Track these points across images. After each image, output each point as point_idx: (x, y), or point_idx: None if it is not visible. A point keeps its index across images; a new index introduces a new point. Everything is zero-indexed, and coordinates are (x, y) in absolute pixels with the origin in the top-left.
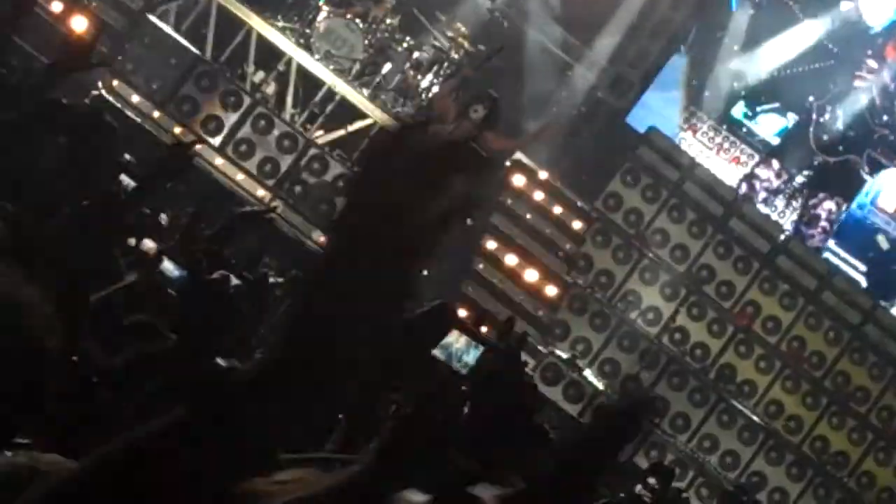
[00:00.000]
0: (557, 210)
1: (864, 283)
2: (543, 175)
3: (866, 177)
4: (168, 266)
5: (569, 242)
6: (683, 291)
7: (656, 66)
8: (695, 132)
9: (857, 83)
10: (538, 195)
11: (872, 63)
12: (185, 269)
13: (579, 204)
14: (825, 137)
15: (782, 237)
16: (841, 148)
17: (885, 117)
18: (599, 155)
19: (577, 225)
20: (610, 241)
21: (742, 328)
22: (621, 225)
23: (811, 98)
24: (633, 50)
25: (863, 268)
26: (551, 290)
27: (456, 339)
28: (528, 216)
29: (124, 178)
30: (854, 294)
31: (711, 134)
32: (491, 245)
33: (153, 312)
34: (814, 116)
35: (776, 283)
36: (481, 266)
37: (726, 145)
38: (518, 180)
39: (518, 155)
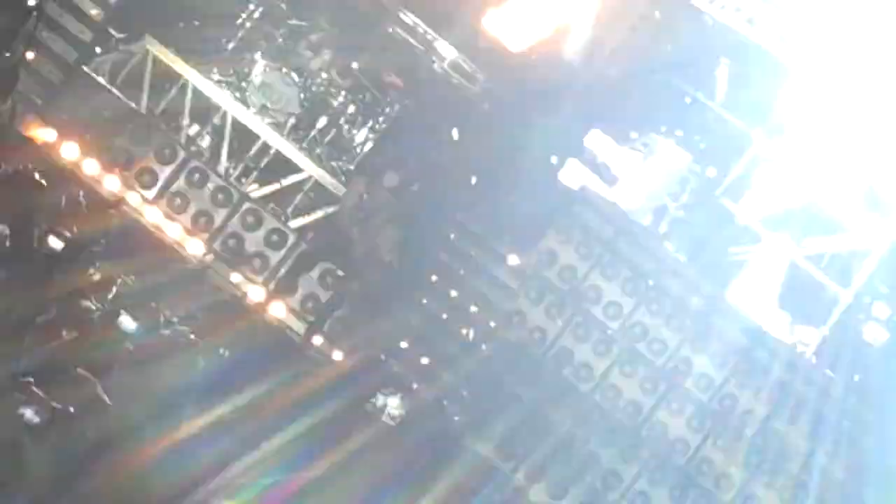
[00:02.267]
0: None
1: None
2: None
3: None
4: (125, 320)
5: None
6: (616, 348)
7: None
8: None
9: None
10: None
11: None
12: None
13: (513, 260)
14: None
15: (717, 295)
16: None
17: None
18: (535, 210)
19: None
20: (544, 297)
21: (675, 385)
22: (555, 281)
23: None
24: (567, 108)
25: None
26: None
27: None
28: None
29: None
30: (782, 350)
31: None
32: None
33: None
34: None
35: (709, 341)
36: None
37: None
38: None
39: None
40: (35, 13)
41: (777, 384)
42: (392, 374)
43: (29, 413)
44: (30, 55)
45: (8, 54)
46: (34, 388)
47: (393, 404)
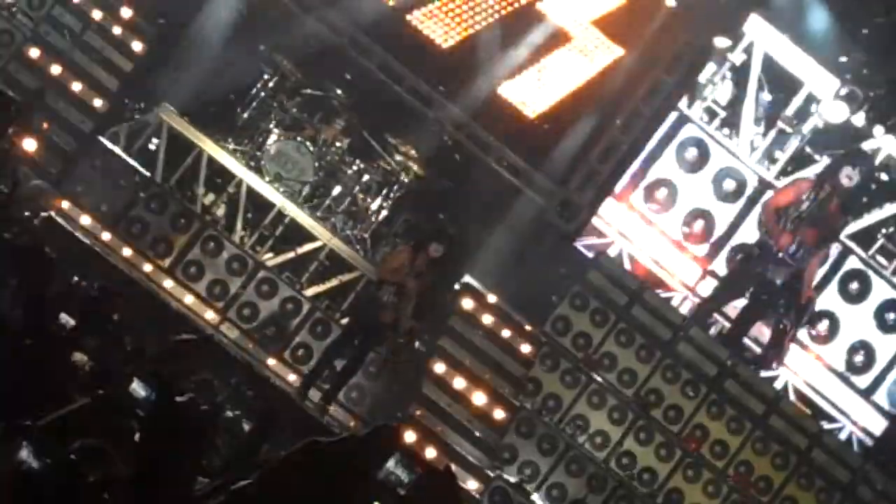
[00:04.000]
0: (506, 333)
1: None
2: (492, 298)
3: None
4: (136, 387)
5: (517, 366)
6: (631, 415)
7: (606, 187)
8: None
9: None
10: (487, 318)
11: None
12: (155, 391)
13: (527, 327)
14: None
15: (730, 362)
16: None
17: None
18: (548, 278)
19: (525, 349)
20: (558, 365)
21: (690, 452)
22: (569, 348)
23: None
24: (583, 173)
25: None
26: (499, 414)
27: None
28: (477, 340)
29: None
30: (801, 419)
31: None
32: (439, 368)
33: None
34: None
35: (724, 408)
36: (429, 389)
37: None
38: (467, 304)
39: (467, 278)
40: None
41: (791, 450)
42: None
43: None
44: (45, 126)
45: None
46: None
47: (401, 472)
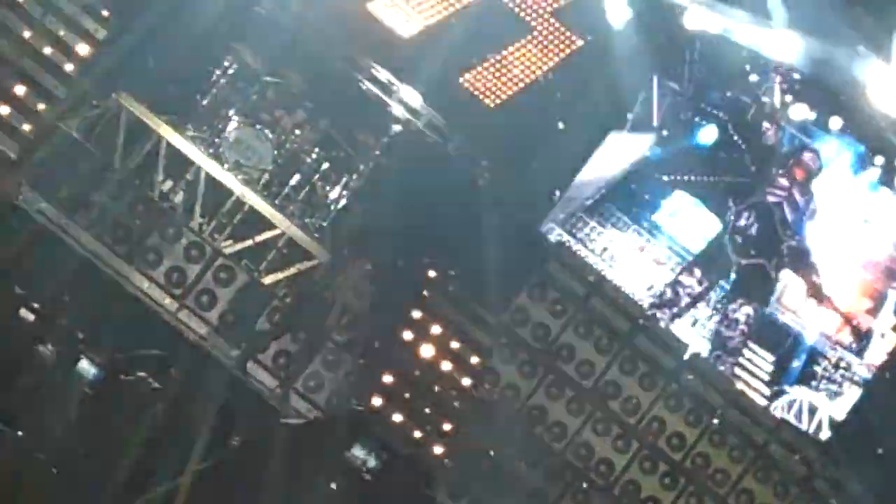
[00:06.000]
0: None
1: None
2: (451, 287)
3: (776, 282)
4: (84, 365)
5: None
6: (589, 407)
7: (567, 179)
8: (620, 233)
9: (770, 197)
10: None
11: (783, 180)
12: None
13: (487, 318)
14: (740, 240)
15: (688, 355)
16: (753, 252)
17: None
18: (508, 268)
19: (483, 339)
20: (516, 356)
21: (647, 444)
22: (528, 339)
23: (731, 203)
24: (539, 166)
25: (772, 358)
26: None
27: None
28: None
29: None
30: (758, 414)
31: (635, 236)
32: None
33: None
34: (732, 220)
35: (681, 400)
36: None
37: (648, 247)
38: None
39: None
40: None
41: (752, 446)
42: (367, 431)
43: None
44: (4, 110)
45: None
46: None
47: (367, 456)
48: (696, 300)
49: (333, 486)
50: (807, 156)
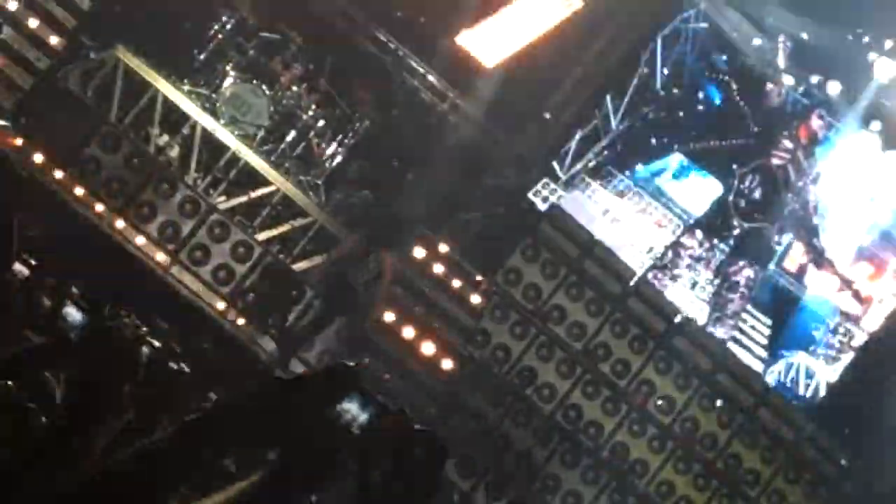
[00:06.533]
0: (456, 284)
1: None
2: (444, 248)
3: (776, 246)
4: (69, 311)
5: (467, 316)
6: (579, 369)
7: (559, 144)
8: (622, 196)
9: (774, 160)
10: (438, 268)
11: (787, 143)
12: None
13: (478, 278)
14: (743, 203)
15: (679, 318)
16: (756, 215)
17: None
18: (501, 230)
19: (475, 299)
20: (508, 317)
21: (636, 407)
22: (520, 300)
23: (734, 166)
24: (534, 128)
25: (768, 321)
26: (447, 364)
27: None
28: (427, 289)
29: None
30: (748, 376)
31: (636, 199)
32: (389, 317)
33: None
34: (735, 183)
35: (671, 364)
36: (378, 338)
37: (650, 210)
38: (418, 252)
39: (420, 228)
40: None
41: (739, 410)
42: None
43: None
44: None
45: None
46: None
47: (354, 409)
48: (697, 260)
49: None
50: (814, 119)
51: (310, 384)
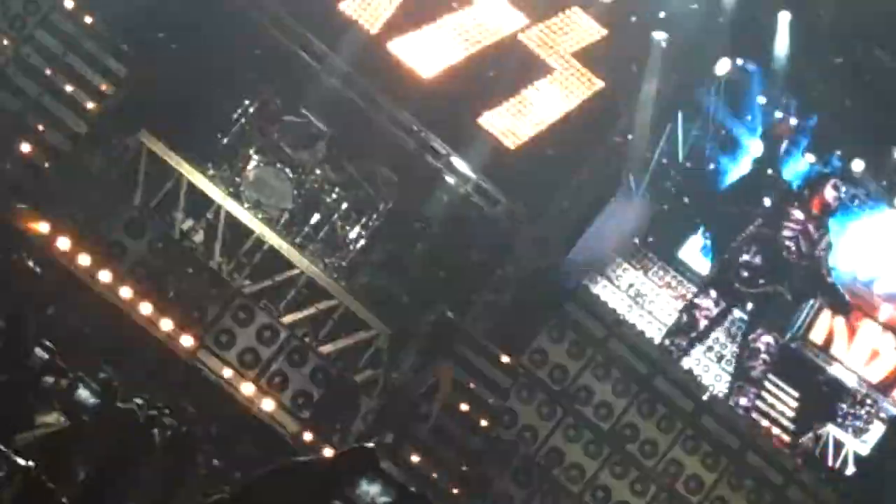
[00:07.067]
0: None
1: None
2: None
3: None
4: (84, 393)
5: (493, 397)
6: (607, 449)
7: (582, 225)
8: (646, 271)
9: (784, 232)
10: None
11: (798, 213)
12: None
13: (505, 359)
14: (745, 274)
15: (706, 396)
16: (762, 281)
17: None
18: (526, 311)
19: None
20: (535, 397)
21: (665, 487)
22: (546, 381)
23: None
24: (556, 209)
25: (796, 394)
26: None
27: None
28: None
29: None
30: (776, 454)
31: (661, 273)
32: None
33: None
34: (734, 255)
35: (699, 443)
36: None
37: (674, 283)
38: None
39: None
40: None
41: (768, 488)
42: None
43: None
44: (25, 147)
45: None
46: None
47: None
48: (713, 323)
49: None
50: (828, 189)
51: (331, 466)
